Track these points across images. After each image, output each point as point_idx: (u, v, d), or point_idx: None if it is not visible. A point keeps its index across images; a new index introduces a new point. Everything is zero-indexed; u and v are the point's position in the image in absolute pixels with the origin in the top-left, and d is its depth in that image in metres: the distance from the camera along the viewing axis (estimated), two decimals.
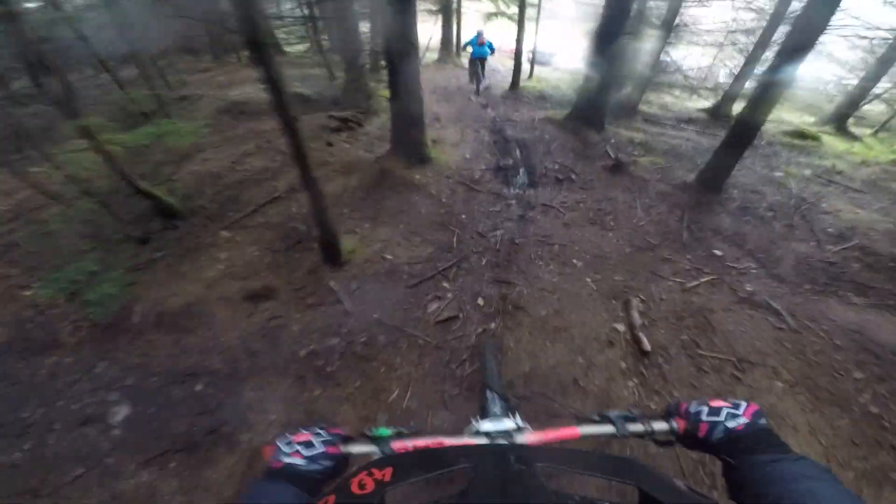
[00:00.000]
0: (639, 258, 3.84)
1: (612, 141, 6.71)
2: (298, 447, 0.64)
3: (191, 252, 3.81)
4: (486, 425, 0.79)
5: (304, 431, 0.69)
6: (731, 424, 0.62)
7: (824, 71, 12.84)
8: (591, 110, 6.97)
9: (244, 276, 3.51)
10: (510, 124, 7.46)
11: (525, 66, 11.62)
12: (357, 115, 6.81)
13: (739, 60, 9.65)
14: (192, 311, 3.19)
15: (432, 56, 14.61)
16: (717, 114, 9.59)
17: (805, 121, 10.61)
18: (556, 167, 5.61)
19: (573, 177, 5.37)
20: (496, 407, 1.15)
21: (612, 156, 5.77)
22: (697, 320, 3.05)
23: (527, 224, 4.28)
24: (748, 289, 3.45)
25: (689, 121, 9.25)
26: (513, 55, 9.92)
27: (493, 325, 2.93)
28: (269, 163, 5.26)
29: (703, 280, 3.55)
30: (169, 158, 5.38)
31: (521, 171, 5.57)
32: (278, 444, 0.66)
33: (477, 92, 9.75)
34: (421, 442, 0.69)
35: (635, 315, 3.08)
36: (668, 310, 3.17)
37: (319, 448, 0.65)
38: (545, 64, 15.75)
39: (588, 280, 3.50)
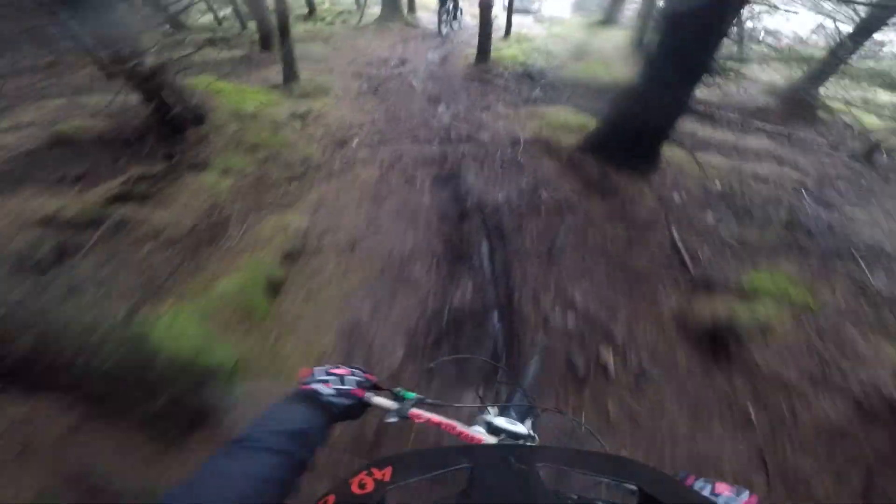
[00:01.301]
0: None
1: (676, 199, 3.38)
2: (332, 378, 0.67)
3: None
4: (500, 421, 0.79)
5: (344, 367, 0.71)
6: None
7: None
8: (636, 133, 3.53)
9: None
10: (474, 152, 4.03)
11: (499, 21, 7.87)
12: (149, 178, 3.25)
13: (842, 20, 6.06)
14: None
15: (372, 13, 10.47)
16: (794, 98, 6.20)
17: None
18: (576, 325, 2.34)
19: (619, 368, 2.14)
20: (516, 407, 1.03)
21: (691, 268, 2.54)
22: None
23: None
24: None
25: (760, 112, 5.89)
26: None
27: None
28: None
29: None
30: None
31: (497, 340, 2.31)
32: (315, 370, 0.69)
33: (440, 32, 8.65)
34: (436, 418, 0.71)
35: None
36: None
37: (350, 385, 0.67)
38: (527, 13, 11.71)
39: None
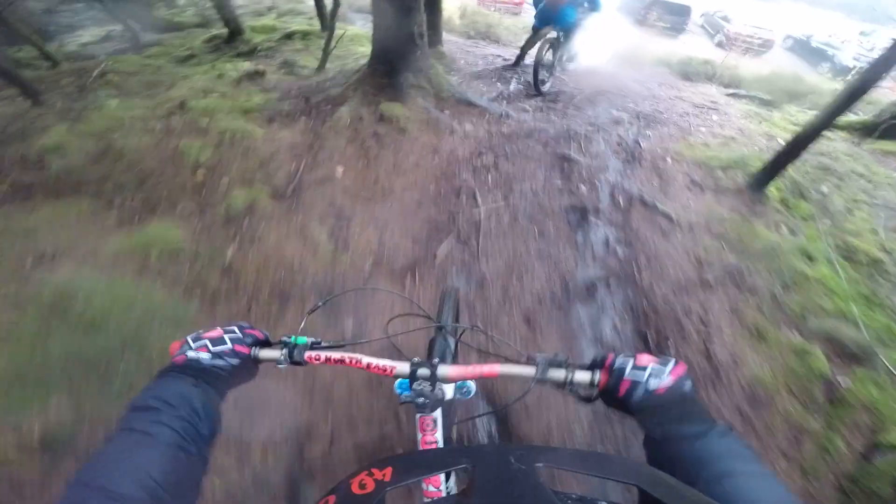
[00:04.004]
0: None
1: None
2: (207, 342, 0.59)
3: None
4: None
5: (219, 328, 0.63)
6: (652, 386, 0.56)
7: None
8: None
9: None
10: None
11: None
12: None
13: None
14: None
15: (353, 40, 4.82)
16: None
17: None
18: None
19: None
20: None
21: None
22: None
23: None
24: None
25: None
26: None
27: None
28: None
29: None
30: None
31: None
32: (187, 338, 0.61)
33: (537, 89, 4.48)
34: (337, 355, 0.66)
35: None
36: None
37: (228, 345, 0.60)
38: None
39: None
